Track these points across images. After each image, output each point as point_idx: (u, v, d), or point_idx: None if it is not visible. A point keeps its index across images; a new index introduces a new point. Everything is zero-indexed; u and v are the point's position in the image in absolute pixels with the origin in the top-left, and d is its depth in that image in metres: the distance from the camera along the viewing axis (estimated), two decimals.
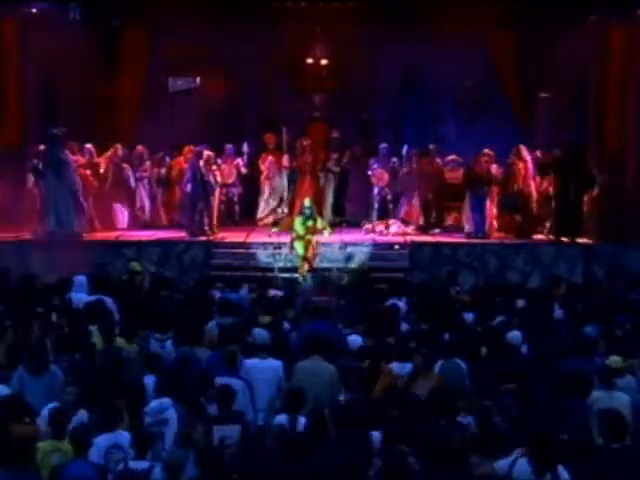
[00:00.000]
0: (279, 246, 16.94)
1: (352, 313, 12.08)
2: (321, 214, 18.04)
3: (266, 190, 19.78)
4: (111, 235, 18.08)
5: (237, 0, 18.87)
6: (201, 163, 17.63)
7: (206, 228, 17.75)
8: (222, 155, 19.10)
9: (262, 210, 19.86)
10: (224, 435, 8.60)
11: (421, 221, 19.03)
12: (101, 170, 18.64)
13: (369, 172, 19.34)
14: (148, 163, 19.28)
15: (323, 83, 20.95)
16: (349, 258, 16.90)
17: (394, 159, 19.38)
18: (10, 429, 8.17)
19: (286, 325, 11.78)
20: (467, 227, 18.21)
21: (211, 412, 8.98)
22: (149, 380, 9.56)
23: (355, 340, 10.99)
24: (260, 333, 10.94)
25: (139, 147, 19.25)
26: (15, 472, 7.57)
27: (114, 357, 10.16)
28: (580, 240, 17.44)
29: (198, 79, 20.88)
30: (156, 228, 18.91)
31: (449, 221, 19.23)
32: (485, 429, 8.31)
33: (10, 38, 18.41)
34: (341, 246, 17.14)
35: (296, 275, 15.93)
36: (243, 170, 19.63)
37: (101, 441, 8.28)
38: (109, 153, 18.87)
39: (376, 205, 19.33)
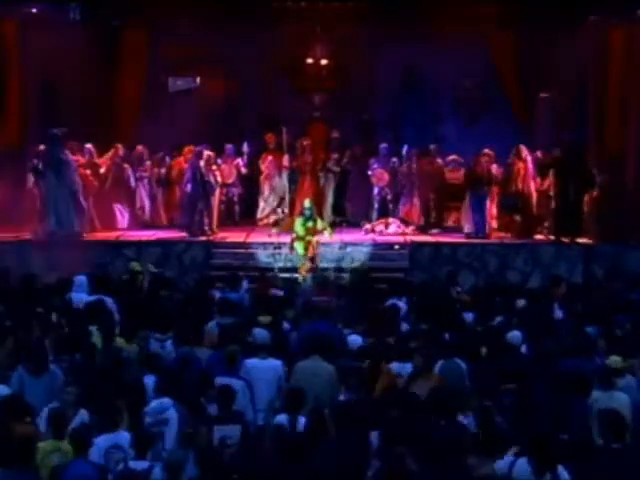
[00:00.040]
0: (279, 246, 16.94)
1: (352, 313, 12.07)
2: (321, 214, 18.06)
3: (266, 190, 19.78)
4: (111, 235, 18.08)
5: (237, 0, 18.88)
6: (201, 163, 17.63)
7: (206, 228, 17.76)
8: (222, 155, 19.12)
9: (262, 210, 19.86)
10: (224, 435, 8.59)
11: (421, 221, 19.05)
12: (102, 170, 18.66)
13: (369, 172, 19.36)
14: (148, 163, 19.29)
15: (323, 83, 20.95)
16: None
17: (394, 159, 19.40)
18: (11, 429, 8.17)
19: (286, 325, 11.78)
20: (466, 227, 18.22)
21: (211, 412, 8.99)
22: (149, 380, 9.56)
23: (355, 340, 10.99)
24: (260, 333, 10.95)
25: (139, 147, 19.27)
26: (16, 472, 7.57)
27: (114, 357, 10.16)
28: (580, 240, 17.45)
29: (198, 79, 20.89)
30: (156, 228, 18.92)
31: (449, 221, 19.25)
32: (485, 429, 8.31)
33: (10, 38, 18.42)
34: (341, 246, 17.15)
35: (296, 275, 15.94)
36: (243, 170, 19.64)
37: (101, 441, 8.29)
38: (110, 153, 18.88)
39: (376, 205, 19.35)
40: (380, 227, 18.52)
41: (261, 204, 19.87)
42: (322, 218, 17.49)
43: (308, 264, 15.91)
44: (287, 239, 16.57)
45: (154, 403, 8.98)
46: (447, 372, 9.85)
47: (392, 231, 18.43)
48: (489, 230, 18.07)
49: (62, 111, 18.30)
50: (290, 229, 16.77)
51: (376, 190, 19.33)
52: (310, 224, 16.14)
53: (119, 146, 18.88)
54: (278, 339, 10.93)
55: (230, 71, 20.53)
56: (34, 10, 18.34)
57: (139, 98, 19.96)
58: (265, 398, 9.85)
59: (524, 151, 18.09)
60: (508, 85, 19.82)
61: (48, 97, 18.36)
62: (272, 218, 19.47)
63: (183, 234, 17.89)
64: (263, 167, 19.73)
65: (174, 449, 8.29)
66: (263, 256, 17.01)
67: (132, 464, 8.07)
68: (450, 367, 9.95)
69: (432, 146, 19.24)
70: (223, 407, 8.94)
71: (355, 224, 19.28)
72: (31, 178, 17.77)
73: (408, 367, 9.91)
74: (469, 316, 12.22)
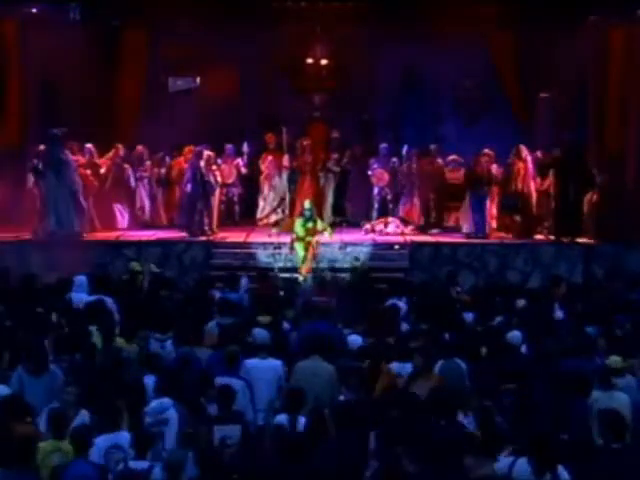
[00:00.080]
0: (279, 246, 16.95)
1: (352, 313, 12.07)
2: (321, 214, 18.06)
3: (266, 190, 19.78)
4: (111, 235, 18.09)
5: (237, 0, 18.88)
6: (201, 163, 17.64)
7: (206, 228, 17.76)
8: (222, 155, 19.13)
9: (262, 210, 19.86)
10: (224, 435, 8.59)
11: (421, 221, 19.05)
12: (102, 170, 18.66)
13: (369, 172, 19.36)
14: (148, 163, 19.29)
15: (323, 83, 20.95)
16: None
17: (394, 159, 19.40)
18: (11, 429, 8.17)
19: (286, 325, 11.78)
20: (466, 227, 18.23)
21: (211, 412, 8.99)
22: (149, 380, 9.55)
23: (355, 340, 10.99)
24: (260, 333, 10.94)
25: (139, 147, 19.27)
26: (17, 472, 7.57)
27: (114, 357, 10.16)
28: (580, 240, 17.45)
29: (198, 79, 20.87)
30: (156, 228, 18.93)
31: (450, 221, 19.25)
32: (485, 429, 8.30)
33: (10, 38, 18.43)
34: (341, 246, 17.15)
35: (296, 275, 15.94)
36: (243, 170, 19.64)
37: (101, 441, 8.28)
38: (111, 153, 18.88)
39: (376, 205, 19.36)
40: (380, 226, 18.52)
41: (261, 204, 19.87)
42: (322, 218, 17.50)
43: (308, 264, 15.91)
44: (287, 239, 16.58)
45: (154, 403, 8.97)
46: (447, 372, 9.85)
47: (391, 230, 18.43)
48: (489, 230, 18.07)
49: (62, 111, 18.30)
50: (290, 229, 16.77)
51: (376, 190, 19.34)
52: (310, 225, 16.15)
53: (119, 146, 18.88)
54: (278, 339, 10.92)
55: (230, 71, 20.52)
56: (34, 10, 18.35)
57: (139, 98, 19.97)
58: (265, 398, 9.85)
59: (524, 151, 18.09)
60: (508, 85, 19.83)
61: (48, 97, 18.37)
62: (272, 218, 19.50)
63: (183, 234, 17.89)
64: (263, 167, 19.73)
65: (174, 449, 8.29)
66: (263, 256, 17.01)
67: (132, 464, 8.07)
68: (450, 367, 9.94)
69: (432, 146, 19.25)
70: (223, 407, 8.94)
71: (355, 224, 19.29)
72: (31, 178, 17.77)
73: (408, 367, 9.91)
74: (469, 316, 12.22)
